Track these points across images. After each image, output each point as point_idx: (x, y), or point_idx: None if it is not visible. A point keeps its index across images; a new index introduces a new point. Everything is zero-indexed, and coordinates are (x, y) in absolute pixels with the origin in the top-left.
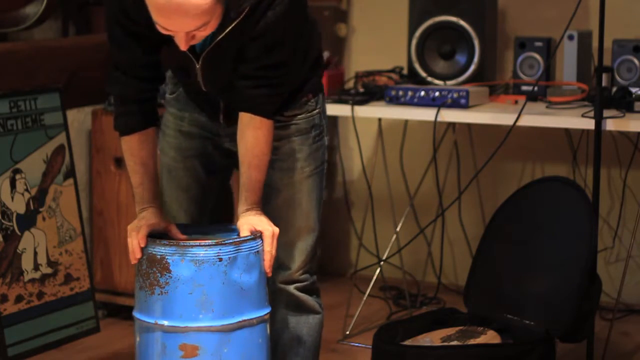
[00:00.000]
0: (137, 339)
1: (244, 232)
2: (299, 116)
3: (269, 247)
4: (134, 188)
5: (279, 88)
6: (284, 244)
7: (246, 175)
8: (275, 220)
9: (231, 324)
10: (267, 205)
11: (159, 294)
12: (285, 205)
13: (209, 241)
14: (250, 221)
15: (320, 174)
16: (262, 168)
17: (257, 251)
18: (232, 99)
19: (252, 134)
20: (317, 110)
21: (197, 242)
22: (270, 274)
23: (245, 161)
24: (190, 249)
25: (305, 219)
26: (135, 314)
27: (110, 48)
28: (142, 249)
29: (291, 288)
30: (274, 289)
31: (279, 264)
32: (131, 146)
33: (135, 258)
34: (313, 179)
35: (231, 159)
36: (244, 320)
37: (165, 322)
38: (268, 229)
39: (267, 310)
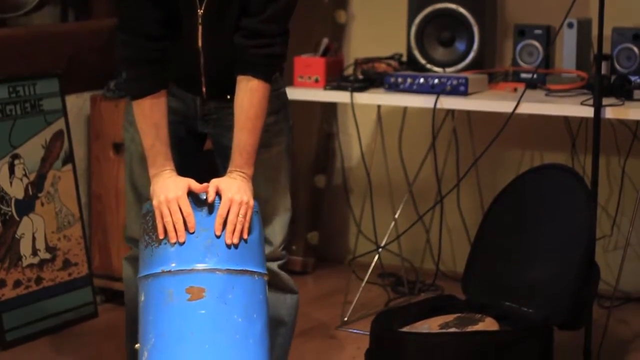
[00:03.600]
0: (142, 298)
1: (210, 189)
2: (272, 93)
3: (221, 212)
4: (146, 151)
5: (278, 47)
6: (267, 220)
7: (237, 137)
8: (256, 197)
9: (236, 269)
10: None
11: (165, 244)
12: (264, 181)
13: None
14: (221, 182)
15: (289, 152)
16: (254, 132)
17: (257, 211)
18: (223, 59)
19: (247, 97)
20: (282, 90)
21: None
22: (218, 234)
23: (238, 123)
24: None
25: (283, 194)
26: (140, 274)
27: (118, 7)
28: (150, 208)
29: (275, 266)
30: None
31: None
32: (143, 109)
33: (191, 229)
34: (286, 156)
35: (203, 142)
36: (247, 270)
37: (172, 266)
38: (233, 196)
39: (265, 271)
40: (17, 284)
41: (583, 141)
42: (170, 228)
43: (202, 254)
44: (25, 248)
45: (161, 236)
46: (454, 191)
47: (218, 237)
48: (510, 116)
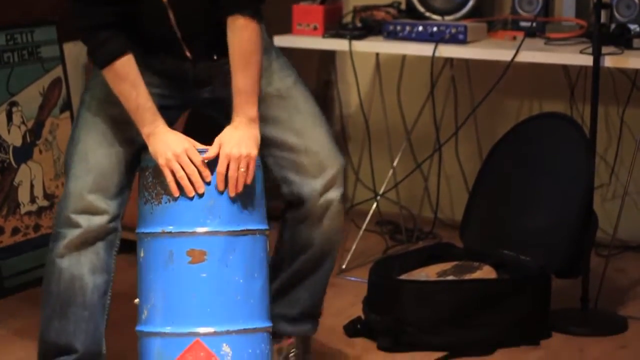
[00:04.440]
0: (141, 254)
1: (213, 145)
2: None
3: (220, 168)
4: (132, 114)
5: None
6: (309, 151)
7: (234, 80)
8: (282, 132)
9: (237, 230)
10: (269, 128)
11: (166, 202)
12: (290, 115)
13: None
14: (222, 135)
15: (303, 83)
16: (247, 69)
17: (259, 165)
18: (195, 11)
19: (237, 36)
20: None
21: (204, 148)
22: (221, 190)
23: (232, 65)
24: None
25: (311, 116)
26: (139, 230)
27: None
28: (149, 164)
29: (337, 198)
30: (312, 205)
31: (310, 172)
32: (116, 72)
33: (207, 178)
34: (302, 86)
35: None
36: (248, 230)
37: (173, 228)
38: (231, 151)
39: (267, 226)
40: (15, 231)
41: (582, 90)
42: (185, 183)
43: (204, 216)
44: (23, 195)
45: (176, 194)
46: (452, 139)
47: (221, 192)
48: (509, 64)
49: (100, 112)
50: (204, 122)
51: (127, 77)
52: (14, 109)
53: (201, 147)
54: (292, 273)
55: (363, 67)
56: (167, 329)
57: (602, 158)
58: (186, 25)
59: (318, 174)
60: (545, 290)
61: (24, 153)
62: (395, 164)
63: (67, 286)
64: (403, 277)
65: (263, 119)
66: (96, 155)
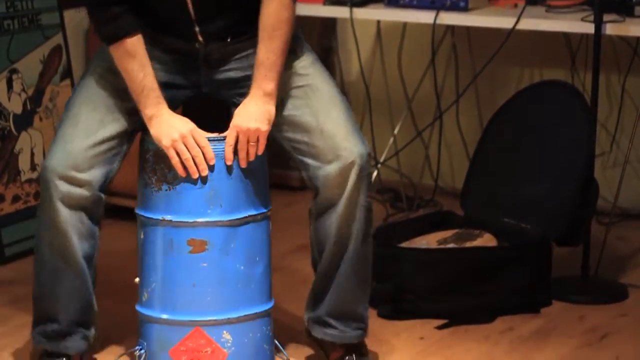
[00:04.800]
0: (141, 235)
1: (230, 131)
2: None
3: (229, 140)
4: (136, 95)
5: None
6: (319, 135)
7: (257, 52)
8: (297, 111)
9: (238, 218)
10: (285, 107)
11: (166, 190)
12: (300, 93)
13: (216, 135)
14: (237, 112)
15: (321, 64)
16: (271, 42)
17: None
18: None
19: (265, 8)
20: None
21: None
22: (229, 163)
23: (259, 39)
24: None
25: (329, 97)
26: (139, 211)
27: None
28: (150, 146)
29: (354, 187)
30: (328, 192)
31: (325, 156)
32: (126, 50)
33: (210, 160)
34: (321, 67)
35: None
36: (250, 216)
37: (173, 218)
38: (240, 124)
39: (269, 207)
40: (16, 199)
41: (583, 58)
42: (191, 164)
43: (204, 206)
44: (23, 163)
45: (182, 174)
46: (453, 107)
47: (230, 165)
48: (510, 32)
49: (101, 80)
50: (200, 113)
51: (135, 55)
52: (14, 77)
53: (206, 134)
54: (321, 273)
55: (364, 35)
56: (167, 316)
57: (603, 126)
58: (201, 7)
59: (333, 158)
60: (545, 258)
61: (24, 121)
62: (396, 131)
63: (52, 249)
64: (404, 245)
65: (279, 97)
66: (87, 119)
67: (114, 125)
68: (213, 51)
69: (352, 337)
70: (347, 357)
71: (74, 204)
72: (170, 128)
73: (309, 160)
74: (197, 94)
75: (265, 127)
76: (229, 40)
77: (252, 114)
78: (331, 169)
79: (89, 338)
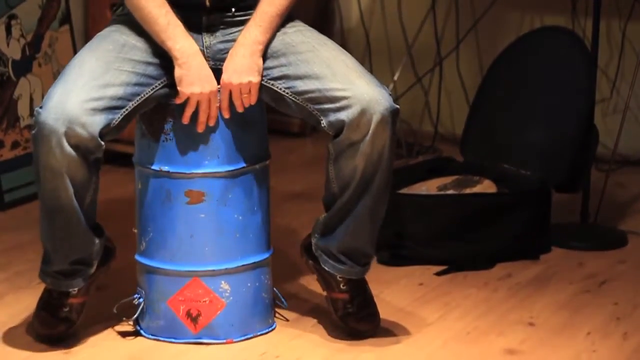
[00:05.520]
0: (139, 186)
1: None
2: None
3: (223, 96)
4: (162, 33)
5: None
6: (332, 77)
7: (257, 7)
8: (307, 65)
9: (236, 169)
10: (292, 66)
11: (163, 141)
12: (308, 47)
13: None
14: (226, 63)
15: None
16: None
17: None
18: None
19: None
20: None
21: None
22: (226, 115)
23: None
24: None
25: (338, 50)
26: (137, 162)
27: None
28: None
29: (378, 121)
30: (352, 130)
31: (343, 94)
32: None
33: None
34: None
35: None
36: (248, 167)
37: (171, 169)
38: (230, 79)
39: (268, 157)
40: (15, 145)
41: (584, 4)
42: (203, 120)
43: (202, 157)
44: (22, 109)
45: (186, 122)
46: (453, 53)
47: (227, 117)
48: None
49: (110, 35)
50: None
51: None
52: (13, 22)
53: None
54: (338, 207)
55: None
56: (165, 267)
57: (604, 72)
58: None
59: (351, 96)
60: (545, 205)
61: (23, 66)
62: (395, 77)
63: (50, 195)
64: (403, 191)
65: (286, 55)
66: (92, 65)
67: (120, 74)
68: (216, 20)
69: (359, 272)
70: (352, 306)
71: (72, 145)
72: (200, 80)
73: (327, 105)
74: None
75: (256, 78)
76: (233, 11)
77: (241, 68)
78: (353, 109)
79: (89, 275)
